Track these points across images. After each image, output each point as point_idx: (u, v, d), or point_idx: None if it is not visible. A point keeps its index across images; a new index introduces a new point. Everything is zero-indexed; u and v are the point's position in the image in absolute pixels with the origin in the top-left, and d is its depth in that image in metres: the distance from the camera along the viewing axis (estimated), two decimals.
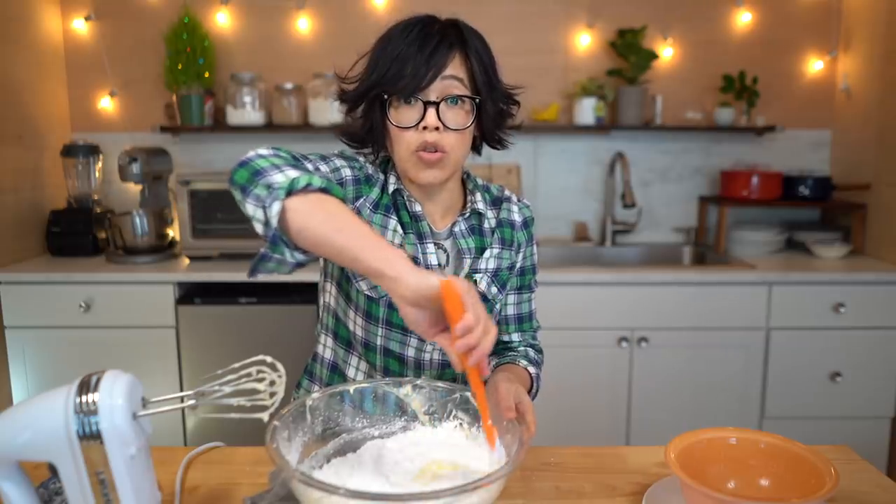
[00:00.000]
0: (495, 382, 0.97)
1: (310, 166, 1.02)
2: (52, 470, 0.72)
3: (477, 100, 1.06)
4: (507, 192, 1.25)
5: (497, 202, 1.22)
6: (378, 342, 1.15)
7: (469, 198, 1.18)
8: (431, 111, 1.03)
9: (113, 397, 0.70)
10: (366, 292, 1.12)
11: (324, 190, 0.86)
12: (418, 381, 0.97)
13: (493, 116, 1.10)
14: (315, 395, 0.92)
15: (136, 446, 0.72)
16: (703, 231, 3.02)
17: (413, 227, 1.14)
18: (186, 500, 0.98)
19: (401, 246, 1.12)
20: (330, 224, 0.83)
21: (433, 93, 1.03)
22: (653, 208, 3.03)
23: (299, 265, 0.89)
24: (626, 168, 2.78)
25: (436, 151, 1.04)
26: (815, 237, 2.81)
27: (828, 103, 2.97)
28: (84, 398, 0.70)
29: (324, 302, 1.22)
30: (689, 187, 3.03)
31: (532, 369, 1.19)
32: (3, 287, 2.39)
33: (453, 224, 1.16)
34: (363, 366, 1.20)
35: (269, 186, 0.86)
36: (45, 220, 2.69)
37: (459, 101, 1.04)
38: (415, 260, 1.11)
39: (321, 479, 0.81)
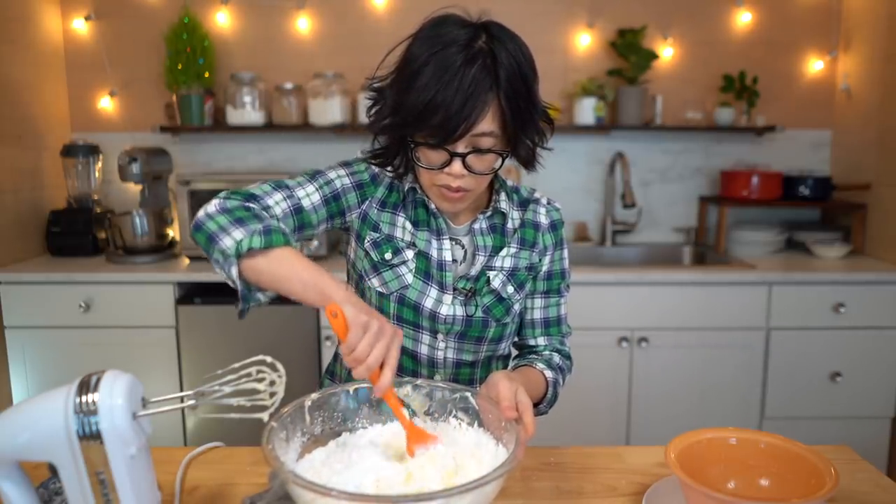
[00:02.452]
0: (496, 381, 0.96)
1: (272, 200, 1.06)
2: (52, 470, 0.72)
3: (506, 153, 1.03)
4: (536, 194, 1.23)
5: (525, 203, 1.21)
6: None
7: (494, 197, 1.17)
8: (457, 162, 1.00)
9: (113, 397, 0.70)
10: (377, 289, 1.13)
11: (267, 246, 0.94)
12: (418, 382, 0.97)
13: (527, 148, 1.06)
14: (314, 395, 0.92)
15: (136, 446, 0.72)
16: (703, 231, 3.02)
17: (431, 222, 1.14)
18: (186, 500, 0.97)
19: (411, 243, 1.12)
20: (275, 277, 0.94)
21: (461, 144, 0.99)
22: (653, 208, 3.03)
23: (278, 297, 0.99)
24: (626, 168, 2.78)
25: (458, 191, 1.04)
26: (815, 237, 2.81)
27: (828, 103, 2.97)
28: (84, 398, 0.70)
29: None
30: (689, 187, 3.03)
31: (549, 374, 1.16)
32: (3, 287, 2.39)
33: (473, 221, 1.16)
34: None
35: (222, 252, 0.96)
36: (45, 220, 2.69)
37: (488, 152, 1.01)
38: (427, 256, 1.12)
39: (315, 476, 0.81)
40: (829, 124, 2.99)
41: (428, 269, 1.12)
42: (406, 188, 1.13)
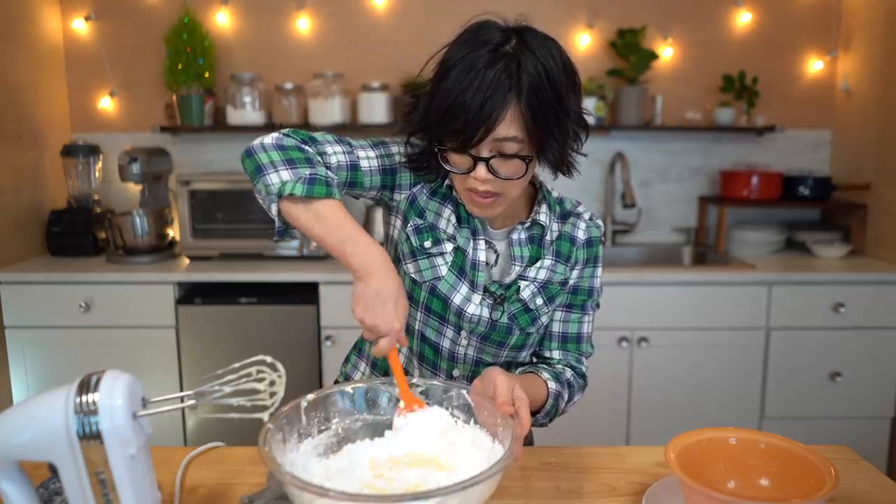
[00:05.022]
0: (493, 376, 0.96)
1: (333, 148, 1.07)
2: (52, 470, 0.72)
3: (529, 158, 1.00)
4: (579, 209, 1.21)
5: (566, 216, 1.20)
6: (416, 326, 1.16)
7: (535, 208, 1.16)
8: (482, 166, 0.99)
9: (113, 397, 0.70)
10: (411, 275, 1.13)
11: (307, 195, 0.97)
12: (415, 380, 0.97)
13: (557, 152, 1.03)
14: (310, 396, 0.92)
15: (136, 446, 0.72)
16: (703, 231, 3.02)
17: (468, 221, 1.14)
18: (186, 500, 0.98)
19: (453, 237, 1.12)
20: (315, 228, 0.98)
21: (485, 148, 0.98)
22: (653, 208, 3.03)
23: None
24: (626, 168, 2.78)
25: (486, 196, 1.03)
26: (815, 237, 2.81)
27: (828, 103, 2.97)
28: (84, 398, 0.70)
29: None
30: (689, 187, 3.03)
31: (553, 385, 1.14)
32: (3, 287, 2.39)
33: (511, 230, 1.15)
34: (405, 350, 1.20)
35: (266, 187, 0.99)
36: (45, 220, 2.69)
37: (513, 157, 0.99)
38: (464, 252, 1.12)
39: (312, 478, 0.82)
40: (828, 124, 2.99)
41: (463, 266, 1.12)
42: (447, 184, 1.13)
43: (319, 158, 1.04)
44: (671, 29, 2.91)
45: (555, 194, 1.21)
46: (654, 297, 2.44)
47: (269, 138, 1.04)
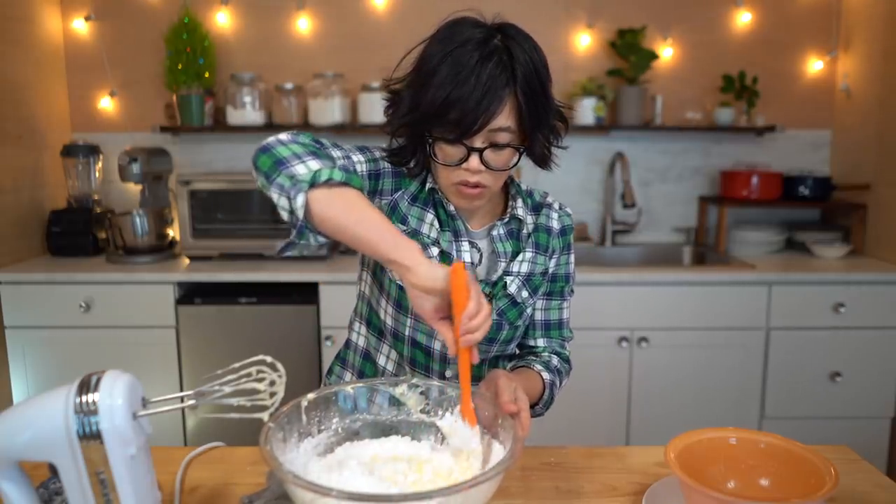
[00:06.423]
0: (495, 379, 0.97)
1: (335, 153, 1.06)
2: (52, 470, 0.72)
3: (522, 148, 1.04)
4: (549, 199, 1.24)
5: (538, 208, 1.22)
6: (406, 332, 1.16)
7: (510, 203, 1.18)
8: (475, 157, 1.01)
9: (113, 397, 0.70)
10: (398, 282, 1.13)
11: (344, 183, 0.92)
12: (413, 380, 0.97)
13: (542, 144, 1.07)
14: (310, 395, 0.92)
15: (136, 446, 0.72)
16: (703, 231, 3.02)
17: (449, 224, 1.14)
18: (186, 500, 0.98)
19: (436, 241, 1.13)
20: (350, 216, 0.91)
21: (478, 139, 1.00)
22: (653, 208, 3.03)
23: (323, 244, 0.98)
24: (626, 168, 2.78)
25: (476, 187, 1.05)
26: (815, 237, 2.81)
27: (828, 103, 2.97)
28: (84, 398, 0.70)
29: (360, 290, 1.25)
30: (688, 187, 3.03)
31: (546, 375, 1.17)
32: (3, 287, 2.39)
33: (491, 227, 1.16)
34: (393, 355, 1.21)
35: (292, 177, 0.92)
36: (45, 220, 2.69)
37: (505, 147, 1.02)
38: (449, 256, 1.13)
39: (314, 477, 0.82)
40: (828, 124, 2.99)
41: None
42: (427, 188, 1.14)
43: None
44: (671, 29, 2.91)
45: (523, 187, 1.22)
46: (654, 297, 2.44)
47: (284, 135, 1.01)
